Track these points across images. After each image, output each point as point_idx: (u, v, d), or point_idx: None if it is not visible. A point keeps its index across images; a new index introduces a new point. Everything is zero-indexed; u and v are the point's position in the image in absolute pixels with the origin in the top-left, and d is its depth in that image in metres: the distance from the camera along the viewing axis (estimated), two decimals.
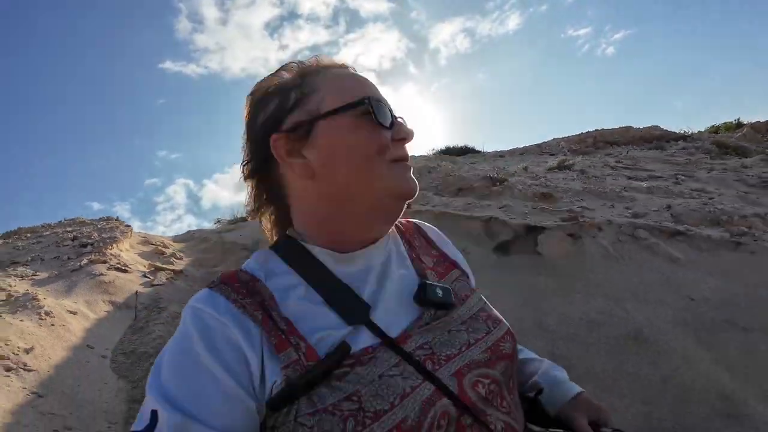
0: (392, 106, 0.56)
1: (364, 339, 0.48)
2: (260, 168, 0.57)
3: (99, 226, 7.22)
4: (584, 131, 12.95)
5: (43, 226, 7.79)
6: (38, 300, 3.40)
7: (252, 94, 0.58)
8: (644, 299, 2.98)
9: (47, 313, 3.15)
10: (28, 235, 6.98)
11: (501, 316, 0.59)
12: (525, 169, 6.51)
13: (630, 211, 4.12)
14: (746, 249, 3.51)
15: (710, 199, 4.83)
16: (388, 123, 0.52)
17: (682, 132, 11.84)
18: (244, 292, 0.50)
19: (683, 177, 6.09)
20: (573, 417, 0.58)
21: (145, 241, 6.75)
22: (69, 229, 7.09)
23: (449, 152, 11.02)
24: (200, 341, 0.45)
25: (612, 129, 12.83)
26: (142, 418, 0.43)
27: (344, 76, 0.55)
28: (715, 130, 12.57)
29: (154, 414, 0.42)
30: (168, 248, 6.48)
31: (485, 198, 4.96)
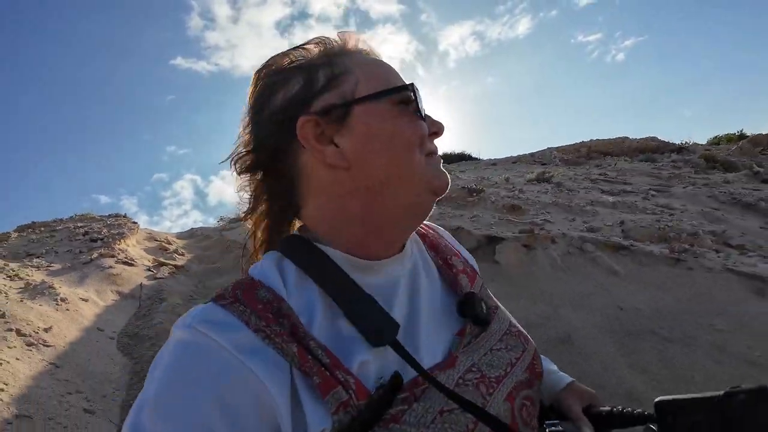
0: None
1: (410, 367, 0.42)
2: (270, 158, 0.50)
3: (108, 222, 7.74)
4: (580, 141, 13.26)
5: (55, 221, 8.28)
6: (54, 288, 3.91)
7: (263, 69, 0.51)
8: (579, 306, 3.38)
9: (63, 300, 3.66)
10: (42, 229, 7.50)
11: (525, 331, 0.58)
12: (506, 180, 6.90)
13: (587, 225, 4.51)
14: (684, 265, 3.88)
15: (670, 215, 5.18)
16: (424, 114, 0.49)
17: (683, 143, 12.03)
18: (270, 317, 0.41)
19: (654, 192, 6.42)
20: (568, 406, 0.58)
21: (151, 237, 7.27)
22: (80, 224, 7.60)
23: (445, 159, 11.39)
24: (208, 391, 0.37)
25: (607, 140, 13.11)
26: None
27: (375, 60, 0.51)
28: (716, 141, 12.76)
29: None
30: (171, 245, 6.98)
31: (461, 208, 5.38)
